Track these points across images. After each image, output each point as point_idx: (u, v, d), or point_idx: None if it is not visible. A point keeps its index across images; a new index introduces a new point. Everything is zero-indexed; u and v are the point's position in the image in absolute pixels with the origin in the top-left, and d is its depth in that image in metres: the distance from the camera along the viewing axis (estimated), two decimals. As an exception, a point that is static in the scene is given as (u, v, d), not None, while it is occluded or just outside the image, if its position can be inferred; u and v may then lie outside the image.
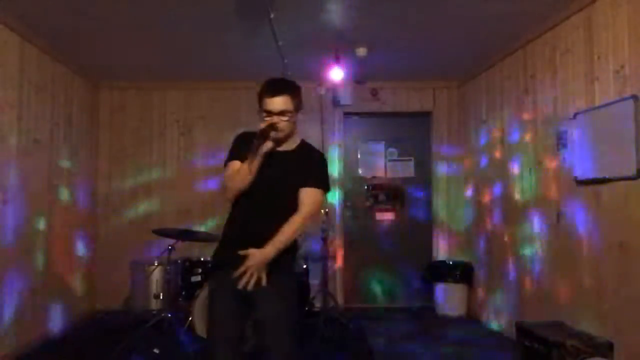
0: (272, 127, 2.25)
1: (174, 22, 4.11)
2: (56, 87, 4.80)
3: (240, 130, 2.48)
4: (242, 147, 2.31)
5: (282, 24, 3.98)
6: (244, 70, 5.44)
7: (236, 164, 2.32)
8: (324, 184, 2.39)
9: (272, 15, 3.74)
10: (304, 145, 2.45)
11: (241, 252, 2.18)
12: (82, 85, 5.44)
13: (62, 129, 4.95)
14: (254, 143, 2.22)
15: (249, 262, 2.17)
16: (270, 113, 2.28)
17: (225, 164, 2.38)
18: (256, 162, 2.24)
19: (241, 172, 2.27)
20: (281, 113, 2.27)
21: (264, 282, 2.20)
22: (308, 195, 2.31)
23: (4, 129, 3.92)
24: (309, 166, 2.37)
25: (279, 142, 2.31)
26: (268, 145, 2.25)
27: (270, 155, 2.27)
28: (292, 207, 2.30)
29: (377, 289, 6.10)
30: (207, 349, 2.36)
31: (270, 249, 2.20)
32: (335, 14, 3.98)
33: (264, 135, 2.23)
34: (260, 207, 2.30)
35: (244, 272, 2.17)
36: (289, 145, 2.38)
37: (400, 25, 4.21)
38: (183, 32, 4.33)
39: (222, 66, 5.38)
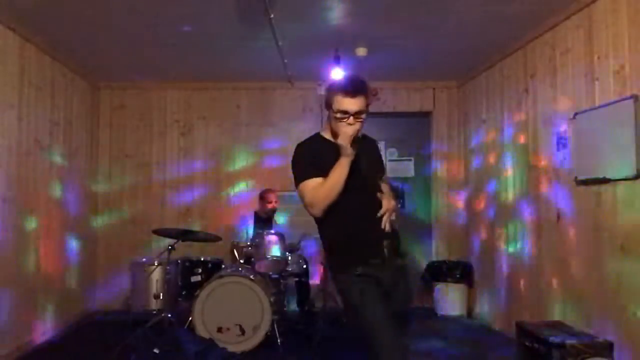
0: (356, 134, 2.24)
1: (174, 23, 4.11)
2: (56, 87, 4.80)
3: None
4: (315, 162, 2.26)
5: (282, 24, 3.98)
6: (244, 70, 5.45)
7: (318, 180, 2.23)
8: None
9: (272, 15, 3.74)
10: (363, 137, 2.39)
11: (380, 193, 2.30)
12: (82, 85, 5.44)
13: (62, 129, 4.95)
14: (347, 149, 2.18)
15: (387, 205, 2.27)
16: (346, 113, 2.21)
17: (302, 181, 2.27)
18: (347, 167, 2.19)
19: (336, 183, 2.20)
20: (358, 113, 2.21)
21: (397, 223, 2.32)
22: (384, 184, 2.41)
23: (4, 129, 3.92)
24: (379, 157, 2.53)
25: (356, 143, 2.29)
26: (354, 148, 2.21)
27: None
28: (376, 197, 2.34)
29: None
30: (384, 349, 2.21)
31: (391, 198, 2.33)
32: (335, 14, 3.98)
33: (354, 139, 2.21)
34: (364, 204, 2.28)
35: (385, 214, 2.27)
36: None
37: (400, 25, 4.21)
38: (183, 32, 4.33)
39: (222, 66, 5.38)
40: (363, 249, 2.26)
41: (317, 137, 2.39)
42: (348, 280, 2.26)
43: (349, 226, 2.28)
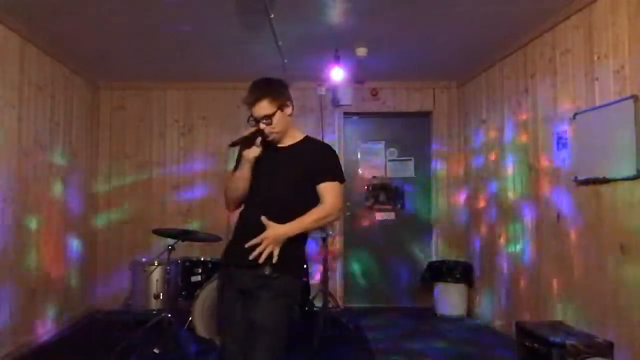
0: (258, 133, 2.27)
1: (174, 22, 4.11)
2: (56, 87, 4.80)
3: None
4: (238, 158, 2.37)
5: (282, 24, 3.98)
6: (244, 71, 5.42)
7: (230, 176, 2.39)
8: (339, 176, 2.35)
9: (272, 15, 3.74)
10: (309, 140, 2.40)
11: (262, 219, 2.14)
12: (82, 85, 5.44)
13: (62, 129, 4.95)
14: (239, 150, 2.30)
15: (265, 234, 2.14)
16: (255, 119, 2.29)
17: (232, 174, 2.43)
18: (246, 169, 2.28)
19: (232, 181, 2.33)
20: (265, 117, 2.26)
21: (275, 258, 2.15)
22: (328, 190, 2.27)
23: (4, 129, 3.92)
24: (322, 160, 2.33)
25: (273, 142, 2.32)
26: (255, 150, 2.27)
27: (271, 153, 2.30)
28: (300, 200, 2.25)
29: (377, 288, 6.10)
30: (220, 347, 2.35)
31: (287, 227, 2.17)
32: (335, 14, 3.98)
33: (247, 141, 2.28)
34: (265, 203, 2.24)
35: (258, 244, 2.14)
36: (288, 141, 2.36)
37: (400, 25, 4.21)
38: (183, 32, 4.33)
39: (222, 66, 5.38)
40: (242, 246, 2.20)
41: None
42: (220, 273, 2.44)
43: (242, 223, 2.32)
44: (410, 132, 6.22)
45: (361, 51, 4.74)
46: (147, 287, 4.84)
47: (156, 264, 4.83)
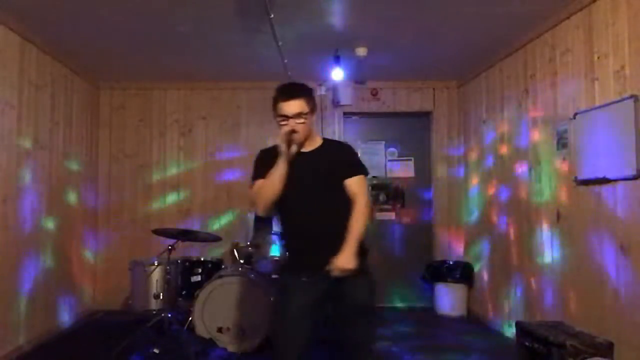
0: (293, 131, 2.32)
1: (174, 23, 4.11)
2: (56, 87, 4.80)
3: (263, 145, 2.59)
4: (265, 164, 2.38)
5: (282, 24, 3.98)
6: (244, 70, 5.44)
7: (262, 181, 2.37)
8: (364, 168, 2.51)
9: (272, 15, 3.74)
10: (328, 142, 2.55)
11: (332, 270, 2.26)
12: (82, 85, 5.44)
13: (62, 129, 4.95)
14: (280, 149, 2.30)
15: (342, 267, 2.25)
16: (286, 117, 2.33)
17: (253, 182, 2.43)
18: (282, 167, 2.30)
19: (270, 182, 2.32)
20: (297, 116, 2.33)
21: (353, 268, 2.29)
22: (357, 184, 2.42)
23: (4, 129, 3.92)
24: (344, 157, 2.48)
25: (299, 145, 2.38)
26: (293, 149, 2.33)
27: (296, 158, 2.34)
28: (338, 200, 2.38)
29: (376, 288, 6.08)
30: (276, 348, 2.42)
31: (349, 249, 2.28)
32: (335, 14, 3.98)
33: (289, 140, 2.31)
34: (310, 210, 2.36)
35: (331, 254, 2.27)
36: (311, 146, 2.45)
37: (400, 25, 4.21)
38: (183, 32, 4.33)
39: (222, 66, 5.38)
40: (298, 252, 2.40)
41: (275, 145, 2.45)
42: (286, 281, 2.44)
43: (294, 233, 2.43)
44: (410, 132, 6.22)
45: (361, 51, 4.73)
46: (147, 287, 4.82)
47: (156, 264, 4.82)
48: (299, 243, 2.45)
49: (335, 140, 2.63)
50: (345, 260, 2.26)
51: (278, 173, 2.31)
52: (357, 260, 2.29)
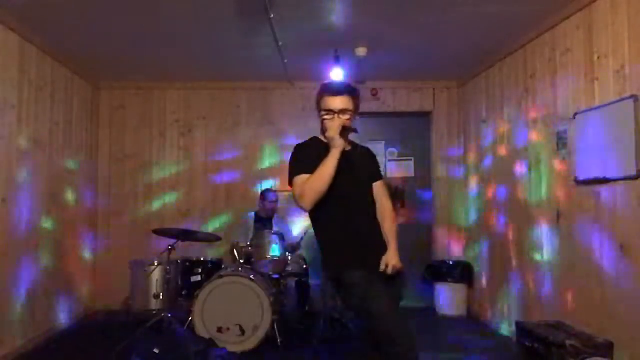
0: (346, 125, 2.38)
1: (174, 23, 4.11)
2: (56, 87, 4.80)
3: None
4: (309, 158, 2.39)
5: (282, 24, 3.98)
6: (244, 70, 5.45)
7: (308, 176, 2.35)
8: (383, 175, 2.72)
9: (272, 15, 3.74)
10: (356, 144, 2.62)
11: (382, 269, 2.41)
12: (82, 85, 5.44)
13: (62, 129, 4.95)
14: (335, 140, 2.33)
15: (394, 264, 2.42)
16: (331, 112, 2.39)
17: (294, 177, 2.40)
18: (336, 158, 2.31)
19: (324, 174, 2.31)
20: (342, 112, 2.38)
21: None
22: (383, 188, 2.61)
23: (4, 129, 3.92)
24: (374, 160, 2.67)
25: (347, 140, 2.45)
26: (344, 142, 2.38)
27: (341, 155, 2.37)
28: (372, 199, 2.53)
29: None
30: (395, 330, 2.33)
31: (394, 246, 2.48)
32: (335, 14, 3.98)
33: (343, 132, 2.36)
34: (358, 206, 2.44)
35: (381, 253, 2.45)
36: (347, 146, 2.49)
37: (400, 25, 4.21)
38: (183, 32, 4.33)
39: (222, 66, 5.38)
40: (359, 248, 2.41)
41: (314, 139, 2.54)
42: (354, 276, 2.37)
43: (345, 229, 2.42)
44: (410, 132, 6.22)
45: (361, 51, 4.73)
46: (147, 287, 4.84)
47: (156, 264, 4.83)
48: (351, 238, 2.41)
49: (362, 145, 2.69)
50: (397, 259, 2.42)
51: (332, 164, 2.30)
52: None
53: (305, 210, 2.38)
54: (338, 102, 2.39)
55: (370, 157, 2.64)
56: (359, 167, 2.48)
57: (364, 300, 2.30)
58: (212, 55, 5.00)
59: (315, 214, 2.42)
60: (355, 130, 2.43)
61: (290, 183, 2.41)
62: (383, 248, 2.46)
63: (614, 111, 3.21)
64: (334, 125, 2.36)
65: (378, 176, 2.61)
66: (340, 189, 2.34)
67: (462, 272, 5.55)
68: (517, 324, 3.77)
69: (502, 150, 4.88)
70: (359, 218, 2.43)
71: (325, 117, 2.41)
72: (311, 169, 2.33)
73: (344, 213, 2.40)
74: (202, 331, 4.13)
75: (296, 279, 5.21)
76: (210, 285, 4.20)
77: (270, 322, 4.12)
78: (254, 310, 4.12)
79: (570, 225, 3.73)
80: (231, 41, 4.55)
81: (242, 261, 4.64)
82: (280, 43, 4.36)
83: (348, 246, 2.40)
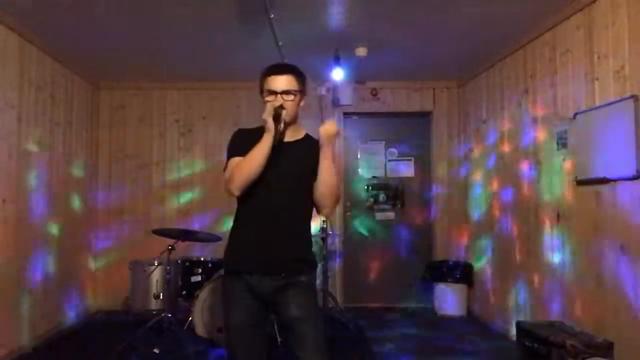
0: (282, 107, 2.13)
1: (174, 23, 4.11)
2: (56, 87, 4.80)
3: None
4: (243, 143, 2.18)
5: (282, 24, 3.97)
6: (244, 70, 5.42)
7: (238, 159, 2.14)
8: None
9: (272, 15, 3.74)
10: (311, 139, 2.29)
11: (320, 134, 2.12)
12: (82, 85, 5.44)
13: (62, 128, 4.95)
14: (267, 123, 2.09)
15: (330, 138, 2.13)
16: (274, 93, 2.15)
17: (227, 161, 2.21)
18: (268, 143, 2.08)
19: (254, 158, 2.09)
20: (285, 92, 2.15)
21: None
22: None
23: (4, 129, 3.92)
24: (315, 157, 2.23)
25: (286, 125, 2.15)
26: (280, 127, 2.11)
27: (277, 146, 2.11)
28: (304, 201, 2.20)
29: (377, 288, 6.09)
30: (228, 355, 2.22)
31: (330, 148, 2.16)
32: (335, 14, 3.98)
33: (276, 114, 2.10)
34: (275, 203, 2.14)
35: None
36: (293, 136, 2.24)
37: (400, 25, 4.21)
38: (183, 32, 4.33)
39: (222, 66, 5.38)
40: (252, 253, 2.16)
41: (255, 127, 2.26)
42: (225, 281, 2.26)
43: (250, 224, 2.19)
44: (410, 132, 6.21)
45: (361, 51, 4.74)
46: (147, 287, 4.84)
47: (156, 264, 4.83)
48: (253, 230, 2.19)
49: (310, 137, 2.33)
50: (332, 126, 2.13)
51: (264, 148, 2.08)
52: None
53: (233, 196, 2.16)
54: (281, 82, 2.15)
55: (316, 153, 2.18)
56: (290, 162, 2.16)
57: (224, 310, 2.23)
58: (212, 55, 5.00)
59: (238, 203, 2.23)
60: (283, 119, 2.11)
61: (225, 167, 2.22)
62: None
63: (614, 111, 3.21)
64: (267, 108, 2.13)
65: (313, 176, 2.18)
66: (262, 183, 2.12)
67: (463, 272, 5.54)
68: (517, 324, 3.77)
69: (502, 151, 4.88)
70: (265, 218, 2.15)
71: (267, 98, 2.16)
72: (245, 153, 2.12)
73: (252, 210, 2.18)
74: (202, 331, 4.12)
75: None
76: (210, 285, 4.20)
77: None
78: (254, 310, 4.11)
79: (570, 225, 3.73)
80: (231, 41, 4.55)
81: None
82: (281, 43, 4.35)
83: (237, 247, 2.21)
